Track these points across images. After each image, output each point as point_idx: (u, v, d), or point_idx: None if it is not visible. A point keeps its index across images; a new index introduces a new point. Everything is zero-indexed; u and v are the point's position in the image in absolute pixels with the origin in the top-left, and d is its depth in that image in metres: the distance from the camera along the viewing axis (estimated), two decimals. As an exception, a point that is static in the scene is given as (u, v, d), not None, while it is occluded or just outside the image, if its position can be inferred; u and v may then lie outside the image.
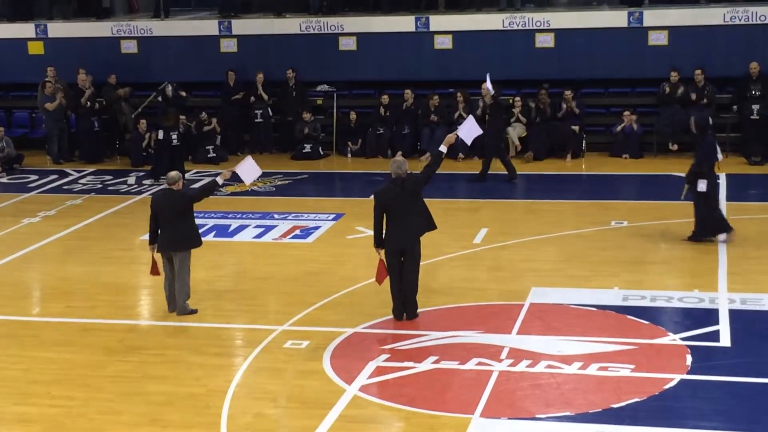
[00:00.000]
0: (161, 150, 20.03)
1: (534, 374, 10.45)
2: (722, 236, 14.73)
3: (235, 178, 13.53)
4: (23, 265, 15.05)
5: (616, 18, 21.65)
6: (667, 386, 10.08)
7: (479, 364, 10.74)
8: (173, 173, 12.66)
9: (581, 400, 9.83)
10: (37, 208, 18.25)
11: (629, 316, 11.98)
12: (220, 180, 12.72)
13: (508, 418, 9.55)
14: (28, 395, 10.42)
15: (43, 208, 18.24)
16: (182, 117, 22.17)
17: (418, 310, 12.14)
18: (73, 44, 23.68)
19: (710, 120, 15.51)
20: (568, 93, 21.06)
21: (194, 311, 12.52)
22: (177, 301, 12.48)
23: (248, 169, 12.71)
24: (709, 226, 14.72)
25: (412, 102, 21.78)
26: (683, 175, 15.07)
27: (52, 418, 9.90)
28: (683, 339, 11.24)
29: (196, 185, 17.57)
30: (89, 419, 9.85)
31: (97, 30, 23.88)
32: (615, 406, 9.70)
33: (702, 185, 14.48)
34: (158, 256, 12.53)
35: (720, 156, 14.70)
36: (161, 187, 12.50)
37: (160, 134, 19.94)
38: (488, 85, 17.50)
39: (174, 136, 19.90)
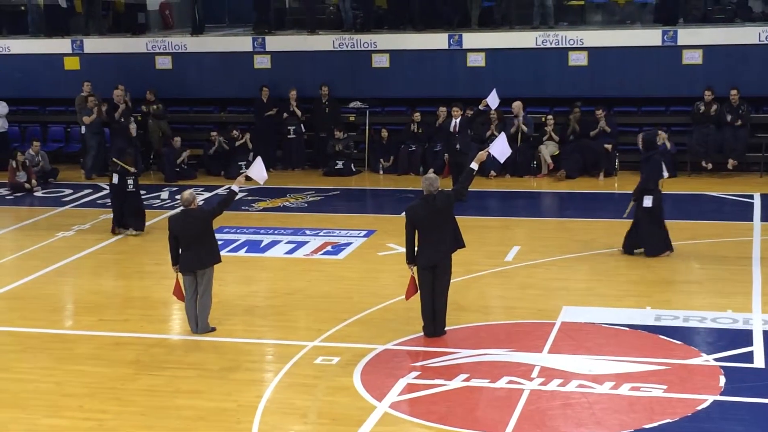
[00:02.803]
0: (119, 196, 17.29)
1: (565, 393, 10.40)
2: (665, 253, 15.02)
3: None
4: (57, 278, 15.16)
5: (650, 36, 21.59)
6: (699, 407, 9.99)
7: (510, 382, 10.70)
8: (187, 194, 12.49)
9: (613, 420, 9.77)
10: (71, 221, 18.40)
11: (662, 336, 11.90)
12: (236, 188, 12.68)
13: (539, 438, 9.51)
14: (60, 408, 10.48)
15: (77, 221, 18.38)
16: (214, 133, 22.33)
17: (447, 328, 12.11)
18: (108, 60, 23.90)
19: (657, 138, 15.90)
20: (599, 112, 21.00)
21: (213, 329, 12.53)
22: (199, 319, 12.43)
23: (259, 169, 12.79)
24: (659, 242, 14.99)
25: (444, 119, 21.79)
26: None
27: (84, 431, 9.94)
28: (716, 360, 11.15)
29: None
30: (120, 433, 9.91)
31: (132, 46, 24.09)
32: (647, 426, 9.63)
33: (648, 201, 14.84)
34: (181, 277, 12.52)
35: (666, 174, 15.26)
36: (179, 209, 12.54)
37: (115, 178, 17.16)
38: (489, 98, 17.56)
39: (130, 182, 17.25)
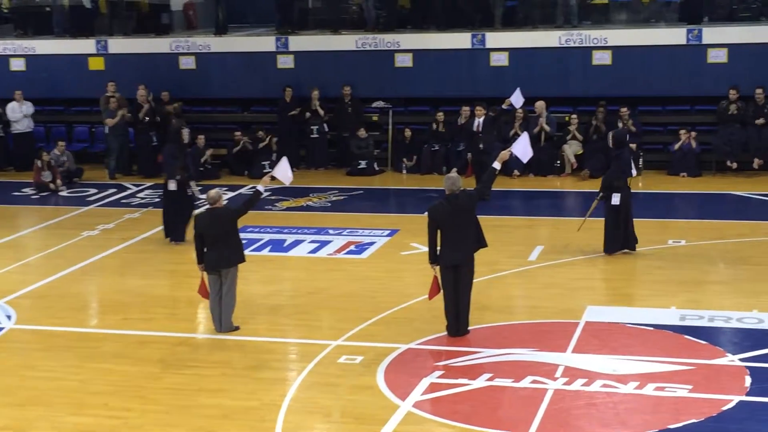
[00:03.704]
0: (174, 203, 16.64)
1: (589, 393, 10.36)
2: (622, 251, 15.07)
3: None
4: (82, 277, 15.24)
5: (674, 35, 21.48)
6: (725, 408, 9.94)
7: (534, 382, 10.67)
8: (213, 192, 12.58)
9: (637, 421, 9.72)
10: (95, 221, 18.49)
11: (687, 336, 11.83)
12: (261, 188, 12.72)
13: (563, 437, 9.48)
14: (85, 406, 10.54)
15: (101, 221, 18.47)
16: (237, 133, 22.38)
17: (470, 327, 12.10)
18: (132, 60, 24.00)
19: (627, 136, 15.85)
20: (624, 110, 20.92)
21: (237, 328, 12.56)
22: (223, 318, 12.47)
23: (284, 170, 12.81)
24: (617, 239, 15.00)
25: (467, 119, 21.77)
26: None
27: (109, 429, 9.99)
28: (742, 360, 11.08)
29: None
30: (145, 431, 9.93)
31: (156, 46, 24.18)
32: (672, 427, 9.58)
33: (616, 199, 14.82)
34: (206, 276, 12.56)
35: (634, 172, 15.19)
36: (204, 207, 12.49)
37: (172, 185, 16.49)
38: (513, 97, 17.54)
39: (195, 188, 16.93)
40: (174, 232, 16.69)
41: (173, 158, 16.49)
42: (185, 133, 16.72)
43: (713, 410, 9.88)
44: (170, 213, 16.73)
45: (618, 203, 14.84)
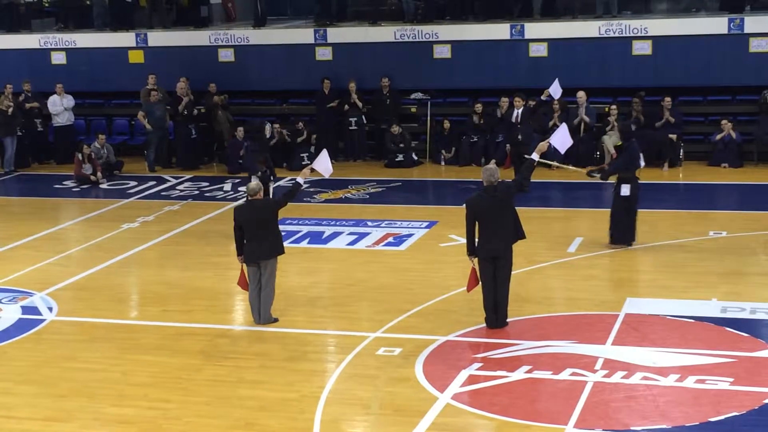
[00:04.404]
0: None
1: (629, 386, 10.30)
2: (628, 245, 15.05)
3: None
4: (122, 269, 15.35)
5: (715, 24, 21.25)
6: (767, 400, 9.84)
7: (573, 374, 10.62)
8: (253, 184, 12.63)
9: (678, 413, 9.65)
10: (135, 213, 18.62)
11: (728, 329, 11.73)
12: (301, 180, 12.74)
13: (603, 430, 9.42)
14: (125, 397, 10.62)
15: (141, 213, 18.60)
16: (276, 125, 22.41)
17: (509, 319, 12.07)
18: (172, 53, 24.13)
19: (632, 127, 15.86)
20: (667, 100, 20.75)
21: (276, 320, 12.61)
22: (262, 309, 12.52)
23: (324, 162, 12.84)
24: (628, 230, 15.01)
25: (506, 110, 21.69)
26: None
27: (149, 420, 10.07)
28: (784, 352, 10.98)
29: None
30: (185, 422, 10.00)
31: (195, 39, 24.30)
32: (713, 419, 9.50)
33: (625, 189, 14.80)
34: (245, 267, 12.61)
35: (642, 163, 15.14)
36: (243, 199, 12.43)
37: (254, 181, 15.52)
38: (552, 88, 17.46)
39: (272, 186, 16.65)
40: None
41: (256, 154, 16.12)
42: (268, 128, 16.46)
43: (755, 403, 9.79)
44: None
45: (628, 194, 14.80)
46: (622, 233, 15.05)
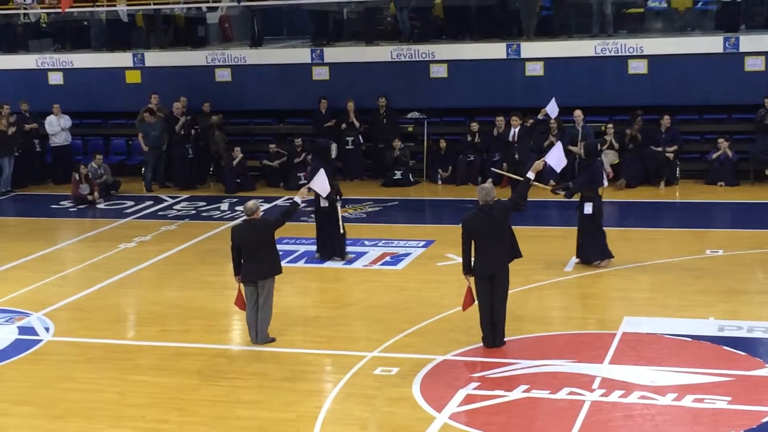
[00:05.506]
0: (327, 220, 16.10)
1: (627, 405, 10.29)
2: (602, 261, 15.06)
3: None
4: (119, 289, 15.34)
5: (711, 44, 21.31)
6: (765, 419, 9.83)
7: (571, 393, 10.61)
8: (251, 204, 12.60)
9: (676, 432, 9.65)
10: (132, 233, 18.61)
11: (725, 347, 11.73)
12: (299, 200, 12.77)
13: (601, 449, 9.42)
14: (123, 418, 10.60)
15: (138, 233, 18.59)
16: (272, 146, 22.42)
17: (506, 338, 12.06)
18: (169, 73, 24.17)
19: (598, 146, 15.98)
20: (666, 118, 20.80)
21: (273, 339, 12.59)
22: (260, 329, 12.50)
23: (321, 182, 12.84)
24: (596, 249, 15.04)
25: (502, 129, 21.72)
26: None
27: (146, 440, 10.06)
28: (782, 371, 10.98)
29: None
30: (182, 442, 9.99)
31: (192, 59, 24.35)
32: (711, 438, 9.51)
33: (588, 208, 14.86)
34: (242, 287, 12.59)
35: (605, 183, 15.33)
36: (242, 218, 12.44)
37: (324, 202, 15.70)
38: (549, 107, 17.50)
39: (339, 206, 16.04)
40: (322, 250, 16.20)
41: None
42: (334, 148, 16.21)
43: (753, 422, 9.78)
44: (323, 230, 16.12)
45: (591, 212, 14.86)
46: (593, 251, 15.08)
